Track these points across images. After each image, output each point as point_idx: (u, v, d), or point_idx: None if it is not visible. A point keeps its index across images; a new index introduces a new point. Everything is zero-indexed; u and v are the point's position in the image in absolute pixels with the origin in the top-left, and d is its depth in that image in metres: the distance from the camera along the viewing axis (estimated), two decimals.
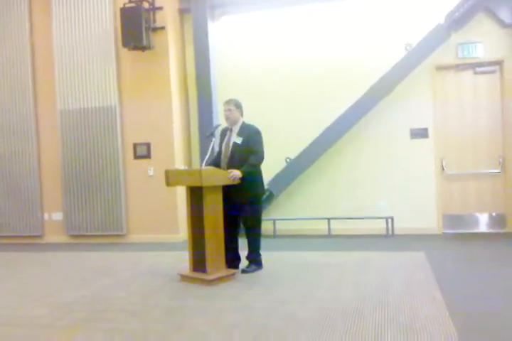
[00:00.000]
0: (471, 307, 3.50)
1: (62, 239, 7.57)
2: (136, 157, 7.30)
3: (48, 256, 6.44)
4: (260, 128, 4.85)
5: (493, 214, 6.73)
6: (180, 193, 7.05)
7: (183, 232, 7.07)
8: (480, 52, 6.58)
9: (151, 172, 7.19)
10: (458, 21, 6.48)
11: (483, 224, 6.78)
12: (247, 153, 4.68)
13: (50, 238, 7.67)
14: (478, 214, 6.78)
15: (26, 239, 7.71)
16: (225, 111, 4.87)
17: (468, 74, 6.75)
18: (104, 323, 3.46)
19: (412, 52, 6.63)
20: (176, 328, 3.28)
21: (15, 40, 7.65)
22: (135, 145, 7.30)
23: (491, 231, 6.72)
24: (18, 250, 7.03)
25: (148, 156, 7.25)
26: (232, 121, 4.87)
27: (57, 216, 7.61)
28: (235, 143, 4.75)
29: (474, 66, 6.68)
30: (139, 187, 7.26)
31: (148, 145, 7.24)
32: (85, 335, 3.23)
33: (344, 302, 3.69)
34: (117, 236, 7.32)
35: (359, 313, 3.40)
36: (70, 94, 7.37)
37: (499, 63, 6.60)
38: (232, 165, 4.67)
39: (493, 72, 6.65)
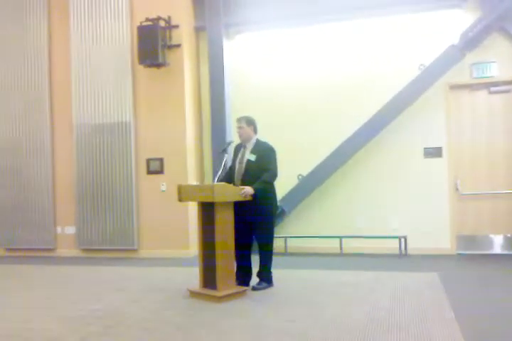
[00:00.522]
0: (484, 329, 3.43)
1: (74, 252, 7.61)
2: (149, 172, 7.35)
3: (60, 270, 6.46)
4: (273, 145, 4.88)
5: (508, 235, 6.64)
6: (192, 209, 7.06)
7: (194, 248, 7.06)
8: (494, 72, 6.57)
9: (163, 188, 7.23)
10: (472, 41, 6.50)
11: (497, 245, 6.68)
12: (261, 170, 4.69)
13: (62, 251, 7.71)
14: (492, 236, 6.69)
15: (39, 252, 7.75)
16: (236, 128, 4.91)
17: (482, 94, 6.74)
18: (116, 338, 3.45)
19: (426, 72, 6.65)
20: None
21: (32, 55, 7.82)
22: (148, 161, 7.35)
23: (506, 252, 6.62)
24: (30, 263, 7.07)
25: (161, 172, 7.30)
26: (244, 139, 4.89)
27: (70, 230, 7.66)
28: (248, 160, 4.76)
29: (489, 86, 6.67)
30: (151, 202, 7.29)
31: (161, 160, 7.29)
32: None
33: (355, 322, 3.64)
34: (128, 250, 7.33)
35: (371, 335, 3.35)
36: (86, 109, 7.49)
37: None
38: (245, 181, 4.68)
39: (507, 91, 6.63)
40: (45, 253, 7.74)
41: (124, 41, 7.37)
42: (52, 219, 7.74)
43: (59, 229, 7.77)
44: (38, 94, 7.80)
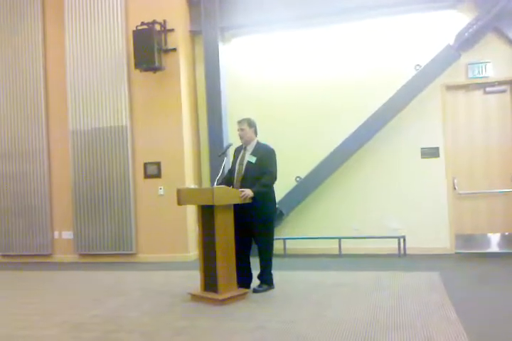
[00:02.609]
0: (488, 328, 3.43)
1: (72, 257, 7.56)
2: (147, 176, 7.33)
3: (58, 275, 6.43)
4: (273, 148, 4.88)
5: (506, 233, 6.66)
6: (191, 212, 7.06)
7: (193, 251, 7.06)
8: (490, 72, 6.60)
9: (161, 192, 7.21)
10: (467, 41, 6.52)
11: (495, 244, 6.70)
12: (260, 172, 4.69)
13: (60, 257, 7.66)
14: (490, 234, 6.71)
15: (36, 258, 7.71)
16: (238, 130, 4.91)
17: (478, 94, 6.76)
18: None
19: (422, 72, 6.66)
20: None
21: (27, 60, 7.79)
22: (145, 165, 7.33)
23: (504, 251, 6.63)
24: (27, 269, 7.02)
25: (158, 175, 7.27)
26: (245, 141, 4.90)
27: (68, 235, 7.62)
28: (248, 162, 4.76)
29: (484, 86, 6.69)
30: (149, 207, 7.26)
31: (158, 164, 7.27)
32: None
33: (357, 323, 3.64)
34: (127, 255, 7.30)
35: (372, 335, 3.34)
36: (82, 114, 7.46)
37: (509, 83, 6.61)
38: (244, 183, 4.68)
39: (503, 91, 6.65)
40: (42, 259, 7.69)
41: (119, 45, 7.35)
42: (49, 224, 7.69)
43: (56, 234, 7.73)
44: (34, 100, 7.76)
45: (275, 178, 4.78)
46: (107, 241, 7.33)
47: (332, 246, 6.92)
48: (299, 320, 3.79)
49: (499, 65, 6.58)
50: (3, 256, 7.91)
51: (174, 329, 3.69)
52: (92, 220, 7.40)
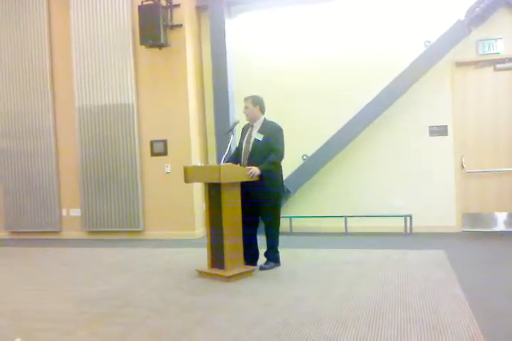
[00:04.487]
0: (493, 305, 3.45)
1: (80, 234, 7.63)
2: (153, 154, 7.32)
3: (66, 252, 6.49)
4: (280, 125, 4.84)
5: None
6: (197, 190, 7.09)
7: (199, 229, 7.11)
8: (500, 49, 6.48)
9: (167, 169, 7.21)
10: (478, 17, 6.38)
11: (503, 222, 6.69)
12: (268, 150, 4.66)
13: (68, 234, 7.73)
14: (497, 213, 6.69)
15: (44, 235, 7.78)
16: (243, 108, 4.87)
17: (488, 71, 6.65)
18: (125, 318, 3.48)
19: (432, 48, 6.55)
20: (196, 324, 3.29)
21: (33, 37, 7.71)
22: (152, 143, 7.32)
23: (511, 230, 6.62)
24: (36, 245, 7.10)
25: (164, 153, 7.27)
26: (250, 119, 4.86)
27: (75, 212, 7.67)
28: (255, 140, 4.74)
29: (495, 62, 6.58)
30: (155, 184, 7.28)
31: (164, 142, 7.26)
32: (107, 330, 3.25)
33: (364, 300, 3.66)
34: (134, 232, 7.36)
35: (380, 312, 3.37)
36: (88, 91, 7.42)
37: None
38: (252, 161, 4.67)
39: None
40: (51, 236, 7.76)
41: (124, 21, 7.25)
42: (57, 201, 7.74)
43: (64, 212, 7.78)
44: (40, 77, 7.70)
45: (282, 156, 4.76)
46: (115, 219, 7.38)
47: (338, 225, 6.94)
48: (305, 296, 3.81)
49: (510, 41, 6.46)
50: (12, 232, 8.00)
51: (181, 305, 3.73)
52: (99, 197, 7.44)
